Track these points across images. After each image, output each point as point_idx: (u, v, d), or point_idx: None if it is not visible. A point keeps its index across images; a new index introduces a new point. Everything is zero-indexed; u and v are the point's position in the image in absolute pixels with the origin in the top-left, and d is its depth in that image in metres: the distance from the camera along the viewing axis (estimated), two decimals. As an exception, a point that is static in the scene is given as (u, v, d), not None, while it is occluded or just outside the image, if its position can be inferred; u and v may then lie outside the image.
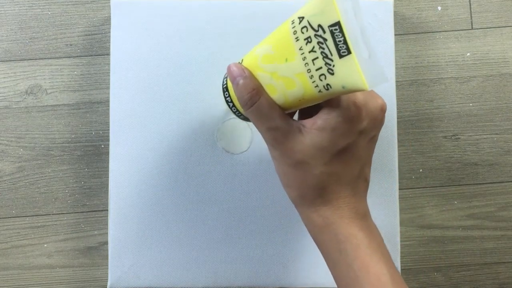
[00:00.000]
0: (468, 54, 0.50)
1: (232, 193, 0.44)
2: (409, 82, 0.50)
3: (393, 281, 0.30)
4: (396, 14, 0.50)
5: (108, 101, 0.47)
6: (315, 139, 0.30)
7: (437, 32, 0.50)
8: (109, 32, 0.46)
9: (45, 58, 0.49)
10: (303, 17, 0.27)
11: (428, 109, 0.49)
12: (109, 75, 0.46)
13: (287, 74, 0.29)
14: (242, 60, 0.32)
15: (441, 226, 0.49)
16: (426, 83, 0.50)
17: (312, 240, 0.45)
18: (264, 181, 0.45)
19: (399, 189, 0.45)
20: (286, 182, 0.32)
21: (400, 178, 0.48)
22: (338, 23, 0.25)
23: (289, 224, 0.44)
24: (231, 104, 0.34)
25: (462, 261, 0.49)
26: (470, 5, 0.50)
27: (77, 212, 0.49)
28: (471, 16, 0.50)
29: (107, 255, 0.44)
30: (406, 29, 0.50)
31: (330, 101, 0.30)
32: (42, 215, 0.49)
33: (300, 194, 0.32)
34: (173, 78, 0.45)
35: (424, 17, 0.50)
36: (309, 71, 0.27)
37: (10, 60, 0.49)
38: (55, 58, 0.49)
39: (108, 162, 0.45)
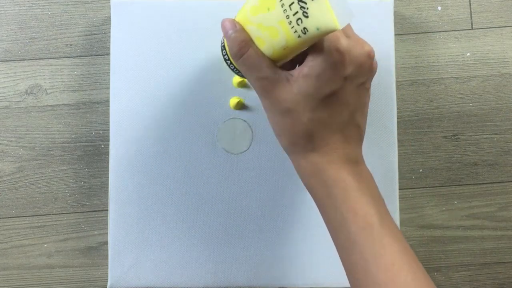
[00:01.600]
0: (468, 54, 0.50)
1: (232, 193, 0.44)
2: (409, 82, 0.50)
3: (381, 222, 0.30)
4: (396, 14, 0.50)
5: (108, 101, 0.47)
6: (301, 87, 0.30)
7: (437, 32, 0.50)
8: (109, 32, 0.46)
9: (45, 58, 0.49)
10: None
11: (428, 109, 0.49)
12: (109, 75, 0.46)
13: (271, 23, 0.30)
14: (235, 17, 0.34)
15: (441, 226, 0.49)
16: (426, 83, 0.50)
17: (312, 240, 0.45)
18: (264, 181, 0.45)
19: (399, 189, 0.45)
20: (277, 131, 0.33)
21: (400, 178, 0.48)
22: None
23: (289, 224, 0.44)
24: (228, 62, 0.35)
25: (462, 261, 0.49)
26: (470, 5, 0.50)
27: (77, 212, 0.49)
28: (471, 16, 0.50)
29: (107, 255, 0.44)
30: (406, 29, 0.50)
31: (314, 49, 0.30)
32: (42, 215, 0.49)
33: (290, 142, 0.33)
34: (173, 78, 0.45)
35: (424, 17, 0.50)
36: (287, 17, 0.28)
37: (10, 60, 0.49)
38: (55, 58, 0.49)
39: (108, 162, 0.45)
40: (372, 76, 0.33)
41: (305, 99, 0.31)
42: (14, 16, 0.49)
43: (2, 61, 0.49)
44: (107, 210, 0.45)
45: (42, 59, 0.49)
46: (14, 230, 0.49)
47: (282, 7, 0.29)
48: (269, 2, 0.29)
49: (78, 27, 0.49)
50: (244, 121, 0.45)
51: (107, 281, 0.44)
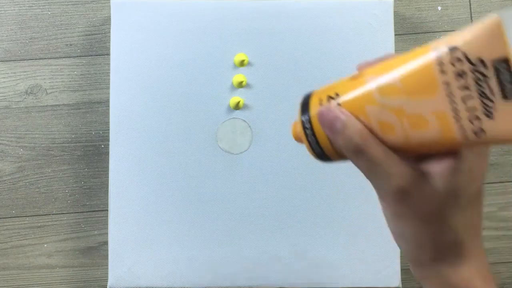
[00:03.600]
0: (468, 54, 0.50)
1: (232, 193, 0.44)
2: (409, 82, 0.50)
3: None
4: (396, 14, 0.50)
5: (108, 101, 0.47)
6: (450, 185, 0.25)
7: (437, 32, 0.50)
8: (109, 32, 0.46)
9: (45, 58, 0.49)
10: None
11: (428, 109, 0.49)
12: (109, 75, 0.46)
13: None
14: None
15: (441, 226, 0.49)
16: (426, 83, 0.50)
17: (312, 240, 0.45)
18: (264, 181, 0.45)
19: (399, 189, 0.45)
20: (415, 242, 0.27)
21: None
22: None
23: (289, 224, 0.44)
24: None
25: (462, 261, 0.49)
26: (470, 5, 0.50)
27: (77, 212, 0.49)
28: (471, 16, 0.50)
29: (107, 255, 0.44)
30: (406, 29, 0.50)
31: None
32: (42, 215, 0.49)
33: (435, 256, 0.27)
34: (173, 78, 0.45)
35: (424, 17, 0.50)
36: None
37: (10, 60, 0.49)
38: (55, 58, 0.49)
39: (108, 162, 0.45)
40: None
41: (456, 199, 0.25)
42: (14, 16, 0.49)
43: (2, 61, 0.49)
44: (107, 210, 0.45)
45: (42, 59, 0.49)
46: (14, 230, 0.48)
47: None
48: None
49: (78, 27, 0.49)
50: (244, 121, 0.45)
51: (107, 281, 0.44)
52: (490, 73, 0.22)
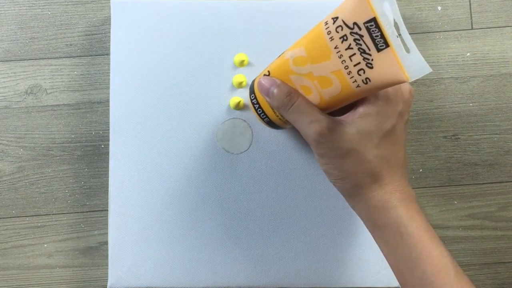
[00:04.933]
0: (468, 54, 0.50)
1: (232, 193, 0.44)
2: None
3: (454, 264, 0.31)
4: (396, 14, 0.50)
5: (108, 101, 0.47)
6: (361, 127, 0.31)
7: (437, 32, 0.50)
8: (109, 32, 0.46)
9: (45, 58, 0.49)
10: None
11: (428, 109, 0.49)
12: (109, 75, 0.46)
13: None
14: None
15: (441, 226, 0.49)
16: (426, 83, 0.50)
17: (312, 240, 0.45)
18: (264, 181, 0.45)
19: (399, 189, 0.45)
20: (339, 176, 0.33)
21: (400, 178, 0.48)
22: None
23: (289, 224, 0.44)
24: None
25: (462, 261, 0.49)
26: (470, 5, 0.50)
27: (77, 212, 0.49)
28: (471, 16, 0.50)
29: (107, 255, 0.44)
30: (406, 29, 0.50)
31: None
32: (42, 215, 0.49)
33: (355, 184, 0.32)
34: (173, 78, 0.45)
35: (424, 17, 0.50)
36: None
37: (10, 60, 0.49)
38: (55, 58, 0.49)
39: (108, 162, 0.45)
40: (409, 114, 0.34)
41: (368, 137, 0.31)
42: (14, 16, 0.49)
43: (2, 61, 0.49)
44: (107, 210, 0.45)
45: (42, 59, 0.49)
46: (14, 230, 0.49)
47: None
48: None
49: (78, 27, 0.49)
50: (244, 121, 0.45)
51: (107, 281, 0.44)
52: (364, 32, 0.27)
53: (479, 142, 0.50)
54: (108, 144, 0.45)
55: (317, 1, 0.45)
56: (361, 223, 0.44)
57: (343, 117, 0.32)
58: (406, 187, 0.33)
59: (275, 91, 0.32)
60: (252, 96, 0.36)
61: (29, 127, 0.49)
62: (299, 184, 0.44)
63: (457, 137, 0.50)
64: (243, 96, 0.44)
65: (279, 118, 0.35)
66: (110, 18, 0.45)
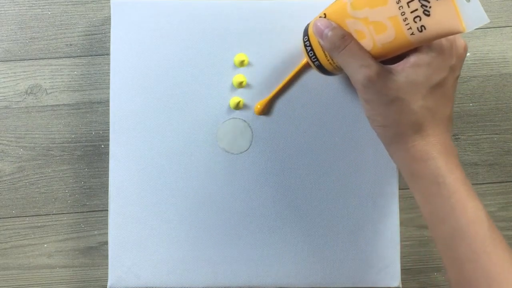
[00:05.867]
0: (468, 54, 0.50)
1: (232, 193, 0.44)
2: (409, 82, 0.50)
3: (487, 217, 0.31)
4: (396, 14, 0.50)
5: (108, 101, 0.47)
6: (410, 76, 0.31)
7: (437, 32, 0.50)
8: (109, 32, 0.46)
9: (45, 58, 0.49)
10: None
11: (428, 109, 0.49)
12: (109, 75, 0.46)
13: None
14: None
15: (441, 226, 0.49)
16: (426, 83, 0.50)
17: (312, 240, 0.45)
18: (264, 181, 0.45)
19: (399, 189, 0.45)
20: (382, 122, 0.33)
21: (400, 178, 0.48)
22: None
23: (289, 224, 0.44)
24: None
25: (462, 261, 0.49)
26: (470, 5, 0.50)
27: (77, 212, 0.49)
28: (471, 16, 0.50)
29: (107, 255, 0.44)
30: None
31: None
32: (42, 215, 0.49)
33: (397, 132, 0.33)
34: (173, 78, 0.45)
35: (424, 17, 0.50)
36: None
37: (10, 60, 0.49)
38: (55, 58, 0.49)
39: (108, 162, 0.45)
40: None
41: (415, 88, 0.31)
42: (14, 16, 0.49)
43: (2, 61, 0.49)
44: (107, 210, 0.45)
45: (42, 59, 0.49)
46: (14, 230, 0.49)
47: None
48: None
49: (78, 27, 0.49)
50: (244, 121, 0.45)
51: (107, 281, 0.44)
52: None
53: (479, 142, 0.50)
54: (108, 144, 0.45)
55: (317, 1, 0.45)
56: (361, 223, 0.44)
57: (393, 66, 0.32)
58: (448, 141, 0.33)
59: (330, 33, 0.32)
60: (305, 38, 0.36)
61: (29, 127, 0.49)
62: (299, 184, 0.44)
63: (457, 137, 0.50)
64: (243, 96, 0.44)
65: (330, 63, 0.35)
66: (110, 18, 0.45)
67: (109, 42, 0.47)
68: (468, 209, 0.31)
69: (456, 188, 0.31)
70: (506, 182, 0.49)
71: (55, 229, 0.49)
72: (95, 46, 0.49)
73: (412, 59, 0.31)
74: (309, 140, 0.45)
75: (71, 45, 0.49)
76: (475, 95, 0.50)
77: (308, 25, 0.37)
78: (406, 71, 0.31)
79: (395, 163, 0.35)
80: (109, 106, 0.45)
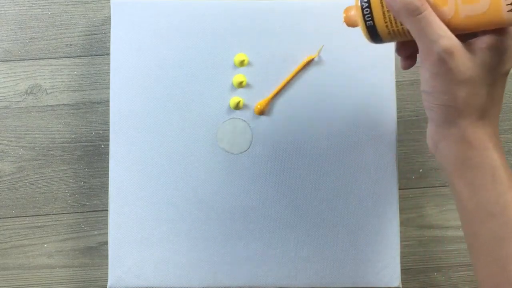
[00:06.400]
0: (468, 54, 0.50)
1: (232, 193, 0.44)
2: (409, 82, 0.50)
3: None
4: (396, 14, 0.50)
5: (108, 101, 0.47)
6: (487, 58, 0.29)
7: (437, 32, 0.50)
8: (109, 32, 0.46)
9: (45, 58, 0.49)
10: None
11: (428, 109, 0.49)
12: (109, 75, 0.46)
13: None
14: None
15: (441, 226, 0.49)
16: (426, 83, 0.50)
17: (312, 240, 0.45)
18: (264, 181, 0.45)
19: (399, 189, 0.45)
20: (446, 101, 0.30)
21: (400, 178, 0.48)
22: None
23: (289, 224, 0.44)
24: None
25: (462, 261, 0.49)
26: (470, 5, 0.50)
27: (77, 212, 0.49)
28: (471, 16, 0.50)
29: (107, 255, 0.44)
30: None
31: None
32: (42, 215, 0.49)
33: (460, 114, 0.30)
34: (173, 78, 0.45)
35: (424, 17, 0.50)
36: None
37: (10, 60, 0.49)
38: (55, 58, 0.49)
39: (108, 162, 0.45)
40: None
41: (490, 71, 0.29)
42: (14, 16, 0.49)
43: (2, 61, 0.49)
44: (107, 210, 0.45)
45: (42, 59, 0.49)
46: (14, 230, 0.48)
47: None
48: None
49: (78, 27, 0.49)
50: (244, 121, 0.45)
51: (107, 281, 0.44)
52: None
53: (479, 142, 0.50)
54: (108, 144, 0.45)
55: (317, 1, 0.45)
56: (361, 223, 0.44)
57: (471, 41, 0.29)
58: (497, 128, 0.31)
59: None
60: None
61: (29, 127, 0.49)
62: (299, 184, 0.44)
63: (457, 137, 0.49)
64: (243, 96, 0.44)
65: (387, 26, 0.30)
66: (110, 18, 0.45)
67: (109, 42, 0.47)
68: None
69: (511, 185, 0.29)
70: (506, 182, 0.49)
71: (55, 229, 0.49)
72: (95, 46, 0.49)
73: (489, 39, 0.29)
74: (309, 140, 0.45)
75: (71, 45, 0.49)
76: (475, 95, 0.50)
77: None
78: (484, 51, 0.29)
79: (440, 148, 0.32)
80: (109, 106, 0.45)
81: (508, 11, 0.25)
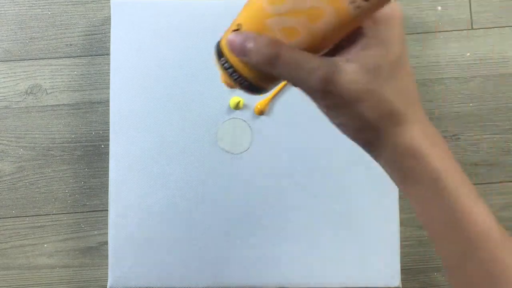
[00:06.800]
0: (468, 54, 0.50)
1: (232, 193, 0.44)
2: (409, 82, 0.50)
3: (497, 223, 0.27)
4: (396, 14, 0.50)
5: (108, 101, 0.47)
6: (366, 60, 0.26)
7: (437, 32, 0.50)
8: (109, 32, 0.46)
9: (45, 58, 0.49)
10: None
11: (428, 109, 0.49)
12: (109, 75, 0.46)
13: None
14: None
15: (441, 226, 0.49)
16: (426, 83, 0.50)
17: (311, 240, 0.45)
18: (264, 181, 0.45)
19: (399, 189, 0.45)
20: (357, 126, 0.27)
21: (400, 178, 0.48)
22: None
23: (289, 224, 0.44)
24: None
25: (462, 261, 0.49)
26: (470, 5, 0.50)
27: (77, 212, 0.49)
28: (471, 16, 0.50)
29: (107, 255, 0.44)
30: (406, 29, 0.50)
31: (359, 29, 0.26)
32: (42, 215, 0.49)
33: (377, 130, 0.27)
34: (173, 78, 0.45)
35: (424, 17, 0.50)
36: None
37: (10, 60, 0.49)
38: (55, 58, 0.49)
39: (108, 162, 0.45)
40: None
41: (377, 71, 0.26)
42: (14, 16, 0.49)
43: (2, 61, 0.49)
44: (107, 210, 0.45)
45: (42, 59, 0.49)
46: (14, 230, 0.48)
47: None
48: None
49: (78, 27, 0.49)
50: (244, 121, 0.45)
51: (107, 281, 0.44)
52: None
53: (479, 142, 0.50)
54: (108, 144, 0.45)
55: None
56: (361, 223, 0.44)
57: (341, 57, 0.26)
58: (431, 128, 0.28)
59: (252, 45, 0.26)
60: (222, 60, 0.29)
61: (29, 127, 0.49)
62: (299, 184, 0.44)
63: (457, 137, 0.50)
64: (243, 96, 0.44)
65: (262, 78, 0.29)
66: (110, 18, 0.45)
67: (109, 42, 0.47)
68: (476, 216, 0.26)
69: (458, 193, 0.26)
70: (506, 182, 0.49)
71: (55, 229, 0.49)
72: (95, 46, 0.49)
73: (361, 41, 0.26)
74: (308, 140, 0.45)
75: (71, 45, 0.49)
76: (475, 95, 0.50)
77: (218, 43, 0.30)
78: (360, 56, 0.26)
79: (384, 170, 0.29)
80: (109, 106, 0.45)
81: (356, 8, 0.24)
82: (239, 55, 0.27)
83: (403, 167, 0.28)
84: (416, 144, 0.27)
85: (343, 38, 0.26)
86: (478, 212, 0.26)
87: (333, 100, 0.26)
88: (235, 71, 0.28)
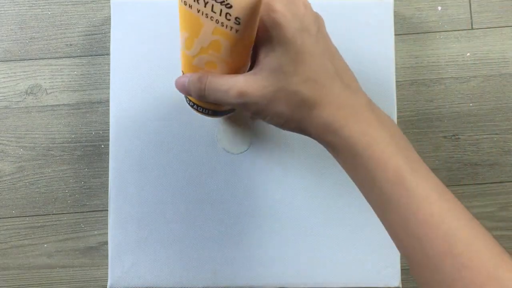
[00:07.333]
0: (468, 54, 0.50)
1: (232, 193, 0.44)
2: (409, 82, 0.50)
3: (412, 171, 0.28)
4: (396, 14, 0.50)
5: (108, 101, 0.47)
6: (269, 64, 0.29)
7: (437, 32, 0.50)
8: (109, 32, 0.46)
9: (45, 58, 0.49)
10: None
11: (428, 109, 0.49)
12: (109, 75, 0.46)
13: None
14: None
15: (441, 226, 0.49)
16: (426, 83, 0.50)
17: (312, 240, 0.45)
18: (264, 181, 0.45)
19: (399, 189, 0.45)
20: (281, 120, 0.31)
21: (400, 178, 0.48)
22: None
23: (289, 224, 0.44)
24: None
25: (462, 261, 0.49)
26: (470, 5, 0.50)
27: (77, 212, 0.49)
28: (471, 16, 0.50)
29: (107, 255, 0.44)
30: (406, 29, 0.50)
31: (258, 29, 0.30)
32: (42, 215, 0.49)
33: (298, 120, 0.31)
34: (173, 78, 0.45)
35: (424, 17, 0.50)
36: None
37: (10, 60, 0.49)
38: (55, 58, 0.49)
39: (108, 162, 0.45)
40: (323, 22, 0.31)
41: (281, 70, 0.29)
42: (14, 16, 0.49)
43: (2, 61, 0.49)
44: (107, 210, 0.45)
45: (42, 59, 0.49)
46: (14, 230, 0.49)
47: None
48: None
49: (78, 27, 0.49)
50: (244, 121, 0.45)
51: (107, 281, 0.44)
52: None
53: (479, 142, 0.50)
54: (108, 144, 0.45)
55: (317, 2, 0.45)
56: (361, 223, 0.44)
57: (253, 69, 0.30)
58: (351, 98, 0.30)
59: (186, 83, 0.32)
60: (188, 100, 0.36)
61: (29, 127, 0.49)
62: (299, 184, 0.44)
63: (457, 137, 0.50)
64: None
65: (216, 104, 0.34)
66: (110, 18, 0.45)
67: (109, 42, 0.47)
68: (388, 172, 0.28)
69: (371, 153, 0.29)
70: (506, 182, 0.49)
71: (55, 229, 0.49)
72: (95, 46, 0.49)
73: (260, 49, 0.30)
74: (309, 140, 0.45)
75: (71, 45, 0.49)
76: (475, 95, 0.50)
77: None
78: (263, 62, 0.29)
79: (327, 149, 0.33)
80: (109, 106, 0.45)
81: (236, 32, 0.28)
82: (184, 92, 0.33)
83: (326, 142, 0.31)
84: (330, 121, 0.29)
85: (249, 49, 0.30)
86: (390, 163, 0.28)
87: (253, 108, 0.30)
88: (196, 105, 0.35)
